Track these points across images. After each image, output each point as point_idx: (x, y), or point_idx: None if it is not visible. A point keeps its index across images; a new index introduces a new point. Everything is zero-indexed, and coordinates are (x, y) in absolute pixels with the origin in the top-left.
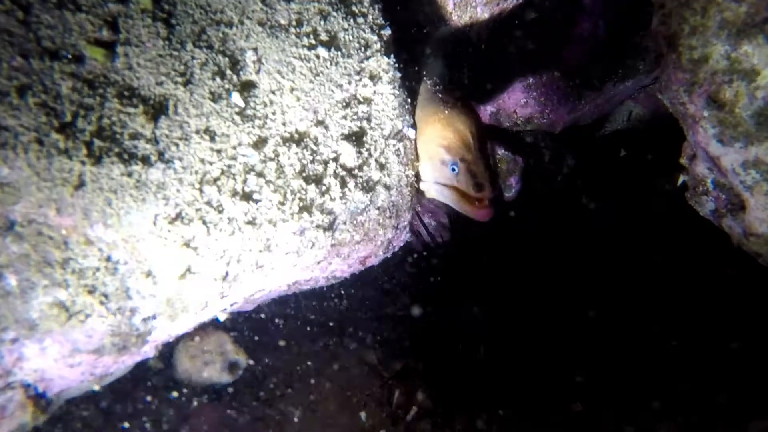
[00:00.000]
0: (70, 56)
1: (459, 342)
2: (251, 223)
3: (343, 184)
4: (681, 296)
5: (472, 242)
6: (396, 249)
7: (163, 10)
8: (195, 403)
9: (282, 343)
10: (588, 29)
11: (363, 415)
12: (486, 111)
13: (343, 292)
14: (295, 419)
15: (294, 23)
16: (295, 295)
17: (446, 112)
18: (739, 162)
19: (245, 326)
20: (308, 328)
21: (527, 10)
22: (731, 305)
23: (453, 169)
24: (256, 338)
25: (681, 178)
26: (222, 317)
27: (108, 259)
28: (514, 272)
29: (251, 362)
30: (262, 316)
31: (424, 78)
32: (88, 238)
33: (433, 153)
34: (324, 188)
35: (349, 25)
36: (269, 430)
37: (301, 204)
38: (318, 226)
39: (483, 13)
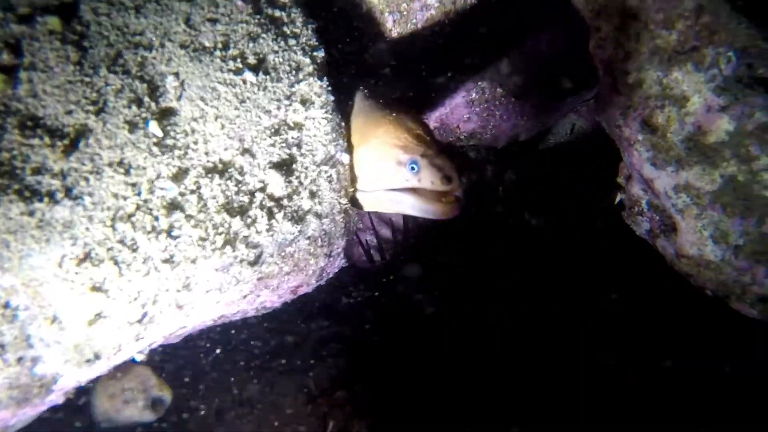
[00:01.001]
0: None
1: (401, 362)
2: (168, 261)
3: (270, 215)
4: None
5: (417, 258)
6: (331, 275)
7: (75, 32)
8: None
9: (213, 374)
10: (533, 46)
11: None
12: (429, 125)
13: (276, 317)
14: None
15: (219, 46)
16: (225, 325)
17: (394, 114)
18: (671, 185)
19: (172, 358)
20: (241, 357)
21: (475, 25)
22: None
23: (413, 168)
24: (184, 371)
25: (618, 197)
26: (139, 358)
27: (6, 305)
28: (457, 288)
29: (183, 393)
30: (190, 347)
31: (360, 88)
32: None
33: (385, 155)
34: (249, 221)
35: (279, 47)
36: None
37: (225, 239)
38: (242, 261)
39: (424, 30)
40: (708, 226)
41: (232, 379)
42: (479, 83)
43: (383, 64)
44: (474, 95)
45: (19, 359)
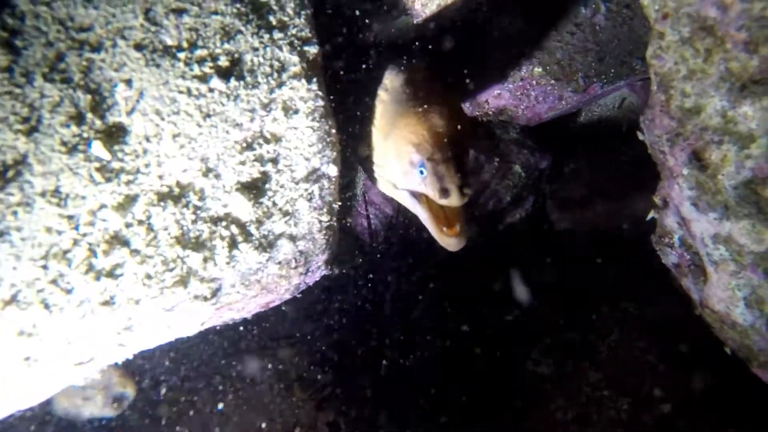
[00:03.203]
0: None
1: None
2: (107, 303)
3: (233, 245)
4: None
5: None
6: (310, 284)
7: (6, 27)
8: None
9: (183, 364)
10: (584, 17)
11: None
12: None
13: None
14: None
15: (185, 44)
16: None
17: (423, 107)
18: (710, 233)
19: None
20: (215, 346)
21: None
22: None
23: (421, 172)
24: (148, 365)
25: (651, 214)
26: (81, 383)
27: None
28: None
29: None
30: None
31: (391, 66)
32: None
33: (402, 152)
34: (207, 254)
35: (260, 42)
36: None
37: (176, 275)
38: (197, 297)
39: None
40: (743, 287)
41: (205, 368)
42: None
43: (411, 39)
44: (509, 70)
45: None
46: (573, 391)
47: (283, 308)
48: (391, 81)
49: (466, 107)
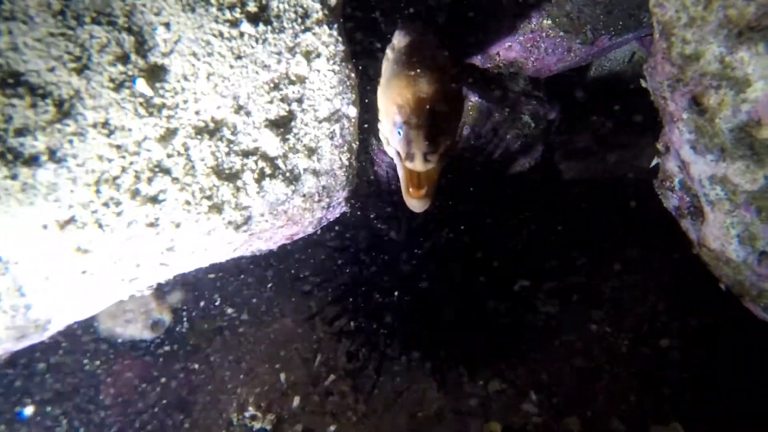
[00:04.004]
0: None
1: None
2: (153, 225)
3: (262, 176)
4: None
5: None
6: (331, 220)
7: None
8: (118, 358)
9: (216, 296)
10: None
11: (282, 376)
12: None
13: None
14: (223, 372)
15: None
16: None
17: (417, 71)
18: (707, 174)
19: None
20: (245, 282)
21: None
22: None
23: (399, 133)
24: (188, 294)
25: (655, 160)
26: (126, 298)
27: None
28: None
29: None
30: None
31: (399, 26)
32: None
33: (389, 111)
34: (240, 183)
35: None
36: (188, 379)
37: (212, 203)
38: (230, 223)
39: None
40: (737, 225)
41: (236, 300)
42: (526, 11)
43: None
44: (517, 22)
45: (13, 306)
46: (577, 328)
47: (305, 247)
48: (397, 42)
49: (478, 60)
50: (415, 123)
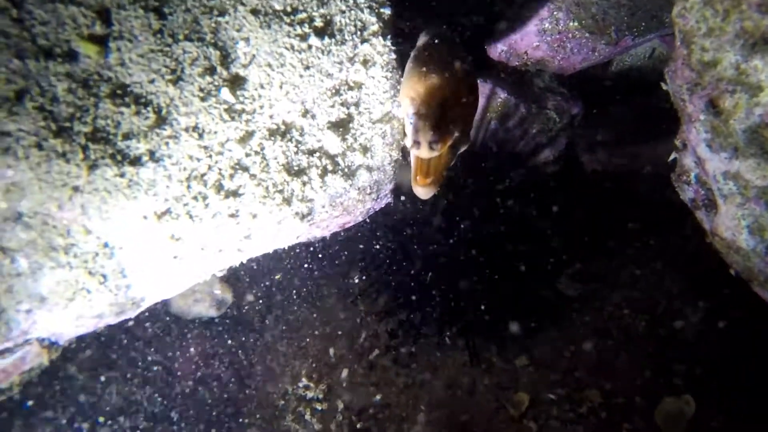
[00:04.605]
0: (64, 54)
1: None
2: (234, 216)
3: (325, 172)
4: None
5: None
6: (377, 210)
7: None
8: (187, 332)
9: (271, 278)
10: None
11: (331, 350)
12: (496, 48)
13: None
14: (277, 347)
15: (289, 9)
16: None
17: (430, 66)
18: (721, 170)
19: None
20: (296, 265)
21: None
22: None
23: (410, 123)
24: (247, 277)
25: (673, 155)
26: (207, 279)
27: (105, 245)
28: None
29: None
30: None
31: (424, 32)
32: (87, 228)
33: (405, 104)
34: (306, 179)
35: (347, 6)
36: (248, 353)
37: (282, 196)
38: (296, 214)
39: None
40: (747, 217)
41: (289, 283)
42: (555, 13)
43: None
44: (547, 25)
45: (116, 286)
46: (597, 309)
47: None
48: (421, 43)
49: (501, 53)
50: (423, 113)
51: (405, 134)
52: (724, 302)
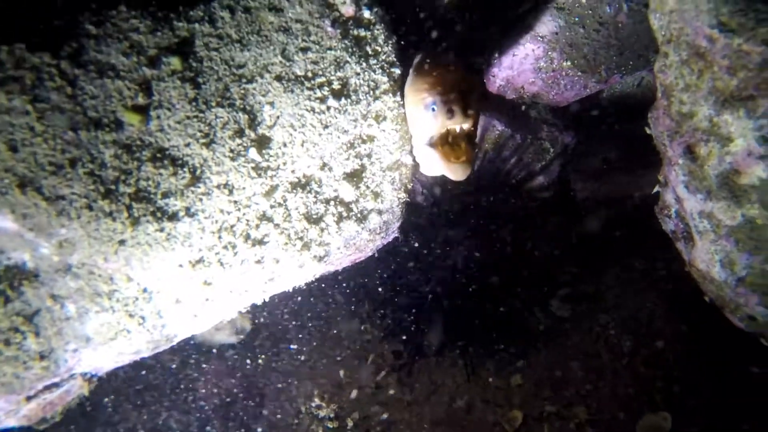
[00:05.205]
0: (111, 123)
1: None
2: (259, 262)
3: (340, 218)
4: None
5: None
6: (385, 244)
7: (191, 69)
8: (211, 359)
9: (286, 306)
10: (609, 16)
11: (342, 372)
12: (495, 82)
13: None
14: (291, 369)
15: (309, 75)
16: None
17: (436, 68)
18: (697, 210)
19: None
20: (308, 293)
21: None
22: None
23: (433, 110)
24: (264, 306)
25: (656, 188)
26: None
27: (144, 290)
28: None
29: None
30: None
31: (419, 56)
32: (129, 276)
33: (418, 102)
34: (323, 225)
35: (361, 68)
36: (265, 376)
37: (303, 242)
38: (315, 257)
39: None
40: (719, 252)
41: (300, 310)
42: (549, 53)
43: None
44: (542, 63)
45: (153, 326)
46: (586, 330)
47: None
48: (416, 59)
49: (500, 87)
50: (450, 94)
51: (415, 132)
52: (701, 325)
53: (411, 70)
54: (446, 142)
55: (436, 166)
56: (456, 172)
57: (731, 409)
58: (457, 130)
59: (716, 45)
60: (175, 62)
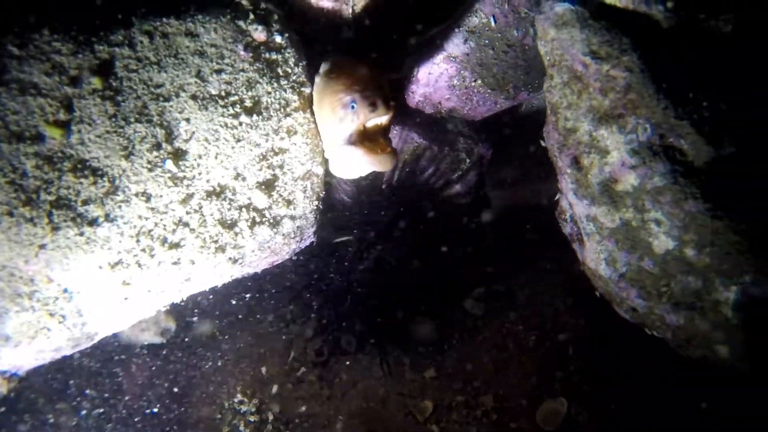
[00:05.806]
0: (32, 137)
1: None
2: (176, 263)
3: (253, 224)
4: None
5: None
6: (302, 248)
7: (111, 88)
8: (136, 358)
9: (211, 307)
10: (516, 39)
11: (264, 369)
12: (414, 98)
13: None
14: (211, 367)
15: (223, 94)
16: None
17: (344, 71)
18: (584, 214)
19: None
20: (229, 295)
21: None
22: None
23: (353, 107)
24: (189, 307)
25: (557, 196)
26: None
27: (65, 291)
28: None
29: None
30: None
31: (324, 62)
32: (50, 278)
33: (334, 103)
34: (237, 230)
35: (272, 88)
36: (190, 374)
37: (217, 245)
38: (230, 259)
39: None
40: (604, 251)
41: (223, 309)
42: (462, 72)
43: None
44: (456, 81)
45: (74, 324)
46: (496, 326)
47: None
48: (323, 67)
49: (418, 102)
50: (368, 89)
51: (331, 136)
52: (597, 319)
53: (318, 78)
54: (366, 138)
55: (361, 162)
56: (384, 163)
57: (622, 394)
58: (380, 123)
59: (589, 70)
60: (96, 82)
